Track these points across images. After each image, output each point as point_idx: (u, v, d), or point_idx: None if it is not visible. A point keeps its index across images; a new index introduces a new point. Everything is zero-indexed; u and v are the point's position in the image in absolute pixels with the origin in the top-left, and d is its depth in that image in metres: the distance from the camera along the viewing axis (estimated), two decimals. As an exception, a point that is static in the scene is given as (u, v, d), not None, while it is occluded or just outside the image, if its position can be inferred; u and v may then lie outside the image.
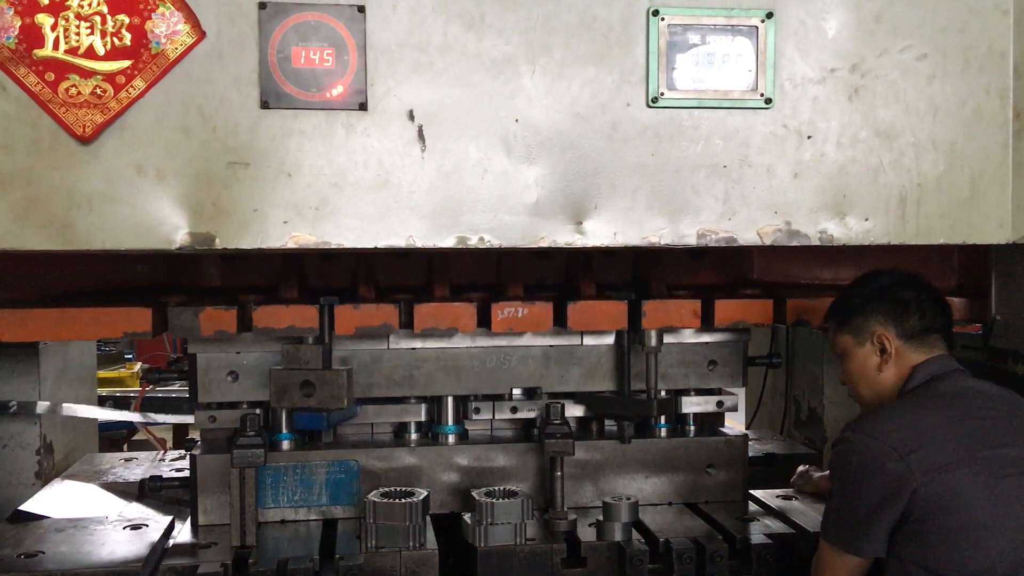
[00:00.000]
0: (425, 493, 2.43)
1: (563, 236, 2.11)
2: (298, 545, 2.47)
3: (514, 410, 2.76)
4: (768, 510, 2.73)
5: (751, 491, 2.83)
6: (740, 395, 3.08)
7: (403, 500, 2.39)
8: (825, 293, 2.52)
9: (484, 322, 2.49)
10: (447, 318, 2.46)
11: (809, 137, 2.18)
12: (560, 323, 2.51)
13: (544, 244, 2.09)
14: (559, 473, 2.57)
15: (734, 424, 3.14)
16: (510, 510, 2.40)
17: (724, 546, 2.42)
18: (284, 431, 2.69)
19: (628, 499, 2.47)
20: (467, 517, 2.46)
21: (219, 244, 2.02)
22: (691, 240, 2.11)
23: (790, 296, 2.62)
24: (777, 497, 2.82)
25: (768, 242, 2.14)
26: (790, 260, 2.97)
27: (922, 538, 1.95)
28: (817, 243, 2.15)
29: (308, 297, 2.56)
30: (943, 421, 1.99)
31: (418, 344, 2.67)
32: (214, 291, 2.79)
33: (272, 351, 2.59)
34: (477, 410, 2.76)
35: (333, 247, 2.07)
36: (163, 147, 1.99)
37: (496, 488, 2.50)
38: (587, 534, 2.49)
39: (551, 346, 2.74)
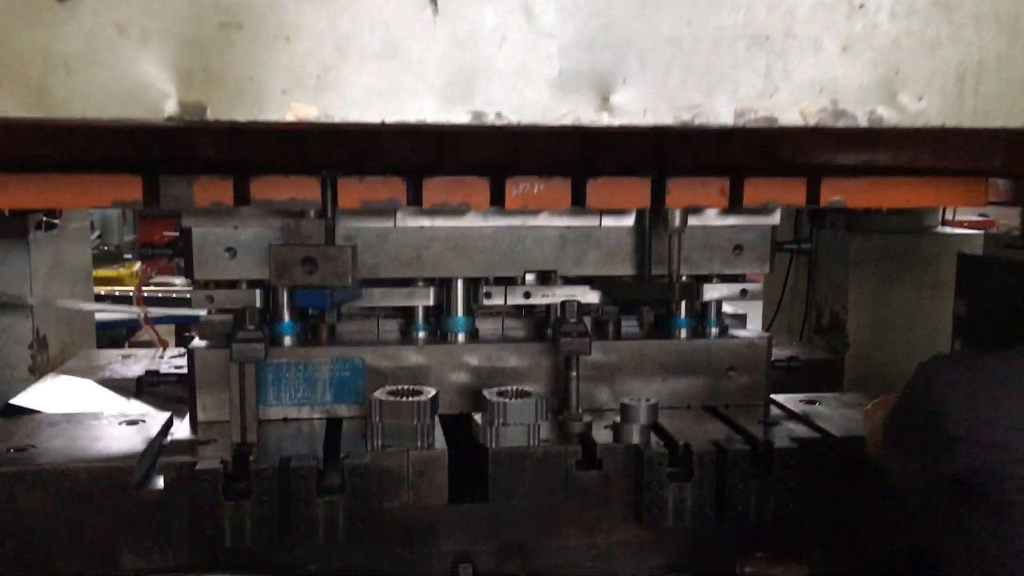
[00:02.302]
0: (434, 392, 2.29)
1: (588, 114, 1.89)
2: (301, 443, 2.34)
3: (527, 295, 2.63)
4: (791, 414, 2.60)
5: (772, 396, 2.67)
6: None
7: (411, 398, 2.24)
8: (860, 174, 2.40)
9: (497, 200, 2.35)
10: (458, 193, 2.30)
11: (861, 6, 1.93)
12: (578, 202, 2.38)
13: (567, 122, 1.87)
14: (574, 373, 2.42)
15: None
16: (523, 410, 2.26)
17: (746, 449, 2.28)
18: (286, 319, 2.50)
19: (647, 401, 2.31)
20: (477, 417, 2.32)
21: (211, 115, 1.81)
22: (727, 120, 1.89)
23: (818, 174, 2.45)
24: (800, 402, 2.67)
25: (812, 123, 1.92)
26: (823, 148, 2.74)
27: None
28: (865, 125, 1.93)
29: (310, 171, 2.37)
30: None
31: (427, 222, 2.52)
32: (210, 166, 2.58)
33: (272, 226, 2.43)
34: (488, 295, 2.61)
35: (337, 121, 1.86)
36: (147, 4, 1.76)
37: (509, 388, 2.35)
38: (603, 436, 2.37)
39: (568, 227, 2.61)
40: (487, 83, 1.97)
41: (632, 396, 2.39)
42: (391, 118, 2.00)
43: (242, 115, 1.91)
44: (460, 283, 2.60)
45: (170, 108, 1.90)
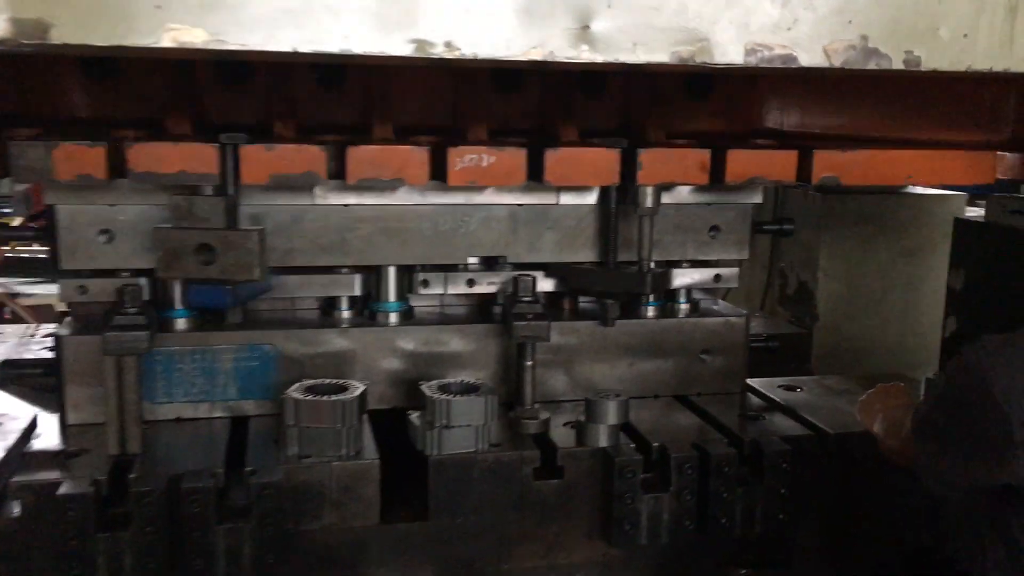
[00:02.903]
0: (361, 388, 1.89)
1: (562, 47, 1.48)
2: (197, 453, 1.92)
3: (471, 283, 2.22)
4: (772, 404, 2.28)
5: (747, 380, 2.34)
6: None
7: (334, 397, 1.82)
8: (859, 146, 2.07)
9: (438, 173, 1.93)
10: (391, 165, 1.87)
11: (899, -81, 1.55)
12: (535, 176, 1.98)
13: (536, 56, 1.46)
14: (530, 362, 2.03)
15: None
16: (469, 409, 1.88)
17: (732, 453, 1.94)
18: (178, 307, 2.04)
19: (616, 396, 1.93)
20: (414, 417, 1.92)
21: (56, 37, 1.34)
22: (736, 57, 1.52)
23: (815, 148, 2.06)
24: (779, 387, 2.34)
25: (838, 63, 1.56)
26: (808, 109, 2.39)
27: None
28: (900, 67, 1.58)
29: (206, 135, 1.89)
30: None
31: (352, 199, 2.11)
32: (78, 124, 2.08)
33: (158, 204, 1.94)
34: (425, 282, 2.17)
35: (232, 48, 1.41)
36: None
37: (452, 381, 1.95)
38: (563, 437, 2.01)
39: (521, 205, 2.21)
40: (435, 4, 1.52)
41: (594, 388, 2.01)
42: (306, 47, 1.52)
43: (100, 38, 1.42)
44: (392, 271, 2.18)
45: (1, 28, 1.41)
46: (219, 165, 1.80)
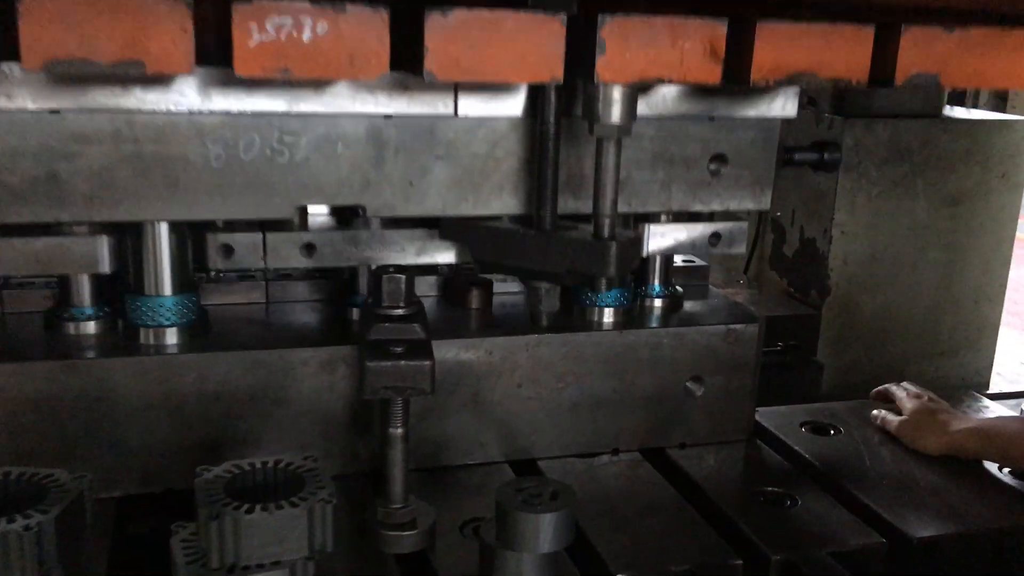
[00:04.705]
0: (74, 491, 0.90)
1: None
2: None
3: (309, 249, 1.25)
4: (800, 464, 1.37)
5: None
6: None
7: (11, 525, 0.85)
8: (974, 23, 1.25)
9: (221, 56, 1.06)
10: (120, 36, 0.93)
11: None
12: (407, 64, 1.09)
13: None
14: (399, 430, 1.09)
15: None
16: (280, 531, 0.93)
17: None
18: None
19: (554, 498, 0.99)
20: (177, 544, 0.93)
21: None
22: None
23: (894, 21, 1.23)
24: (804, 428, 1.44)
25: None
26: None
27: None
28: None
29: None
30: None
31: (68, 103, 1.16)
32: None
33: None
34: (228, 250, 1.21)
35: None
36: None
37: (258, 465, 1.00)
38: (452, 555, 1.03)
39: (389, 117, 1.24)
40: None
41: (522, 486, 1.07)
42: None
43: None
44: (163, 231, 1.20)
45: None
46: None
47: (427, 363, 1.08)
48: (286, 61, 1.03)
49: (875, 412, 1.62)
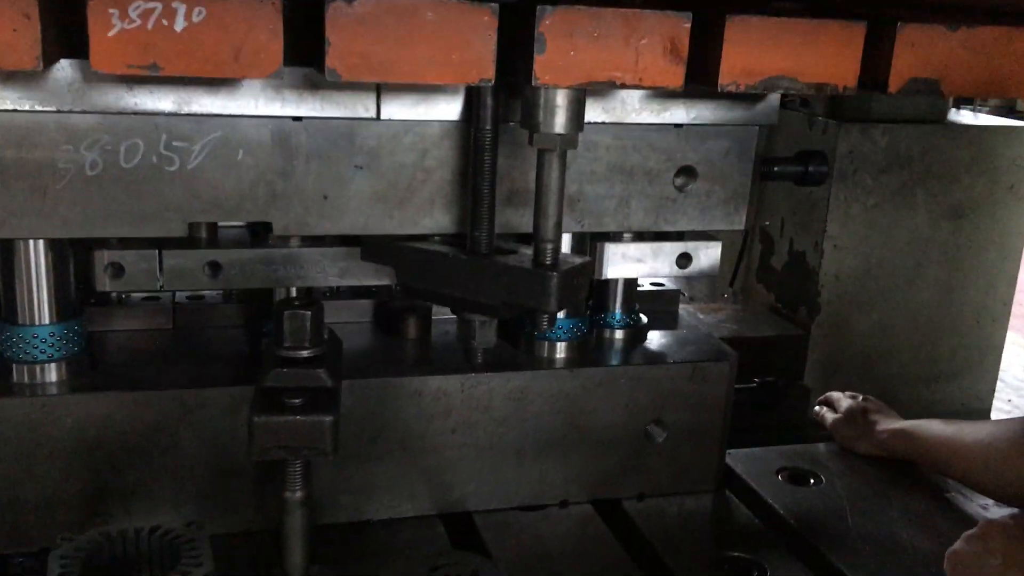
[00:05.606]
0: None
1: None
2: None
3: (214, 268, 1.15)
4: (776, 523, 1.20)
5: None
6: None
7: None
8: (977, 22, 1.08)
9: (77, 47, 0.88)
10: None
11: None
12: (310, 59, 0.95)
13: None
14: (298, 495, 0.89)
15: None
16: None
17: None
18: None
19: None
20: None
21: None
22: None
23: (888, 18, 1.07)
24: (781, 477, 1.27)
25: None
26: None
27: None
28: None
29: None
30: None
31: None
32: None
33: None
34: (118, 268, 1.08)
35: None
36: None
37: (104, 538, 0.86)
38: None
39: (299, 119, 1.09)
40: None
41: (438, 558, 0.90)
42: None
43: None
44: (39, 248, 1.10)
45: None
46: None
47: (327, 419, 0.91)
48: (154, 55, 0.86)
49: (816, 408, 1.69)
